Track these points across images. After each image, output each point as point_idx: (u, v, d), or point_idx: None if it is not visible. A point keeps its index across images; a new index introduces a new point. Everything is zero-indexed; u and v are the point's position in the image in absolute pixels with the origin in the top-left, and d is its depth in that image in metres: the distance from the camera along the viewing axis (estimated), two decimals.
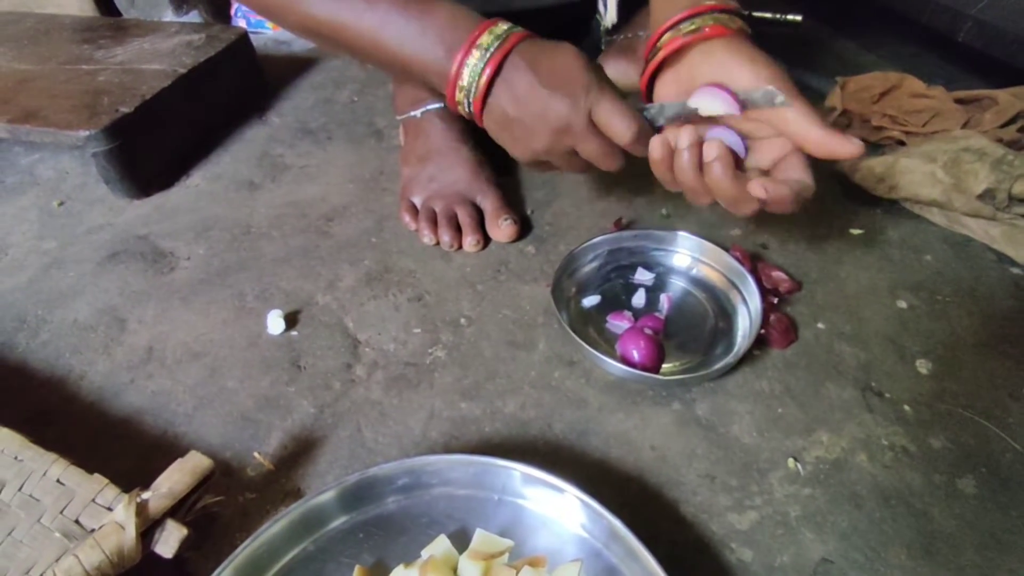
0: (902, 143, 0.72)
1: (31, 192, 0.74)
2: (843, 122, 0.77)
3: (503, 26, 0.48)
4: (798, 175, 0.47)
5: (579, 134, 0.48)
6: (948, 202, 0.62)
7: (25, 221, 0.70)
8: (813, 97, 0.84)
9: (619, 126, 0.47)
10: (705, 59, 0.48)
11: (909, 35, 0.96)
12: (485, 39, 0.48)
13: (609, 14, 0.78)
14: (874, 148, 0.75)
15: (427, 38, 0.49)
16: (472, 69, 0.48)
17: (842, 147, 0.45)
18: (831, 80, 0.81)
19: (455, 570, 0.39)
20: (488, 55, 0.47)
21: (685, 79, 0.49)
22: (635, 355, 0.51)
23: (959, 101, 0.73)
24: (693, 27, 0.48)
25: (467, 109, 0.50)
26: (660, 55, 0.49)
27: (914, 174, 0.63)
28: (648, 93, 0.53)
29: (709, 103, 0.47)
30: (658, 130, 0.49)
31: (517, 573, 0.38)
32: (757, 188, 0.45)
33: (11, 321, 0.58)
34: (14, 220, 0.70)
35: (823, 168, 0.73)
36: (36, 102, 0.71)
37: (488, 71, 0.47)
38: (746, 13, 0.49)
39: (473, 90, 0.49)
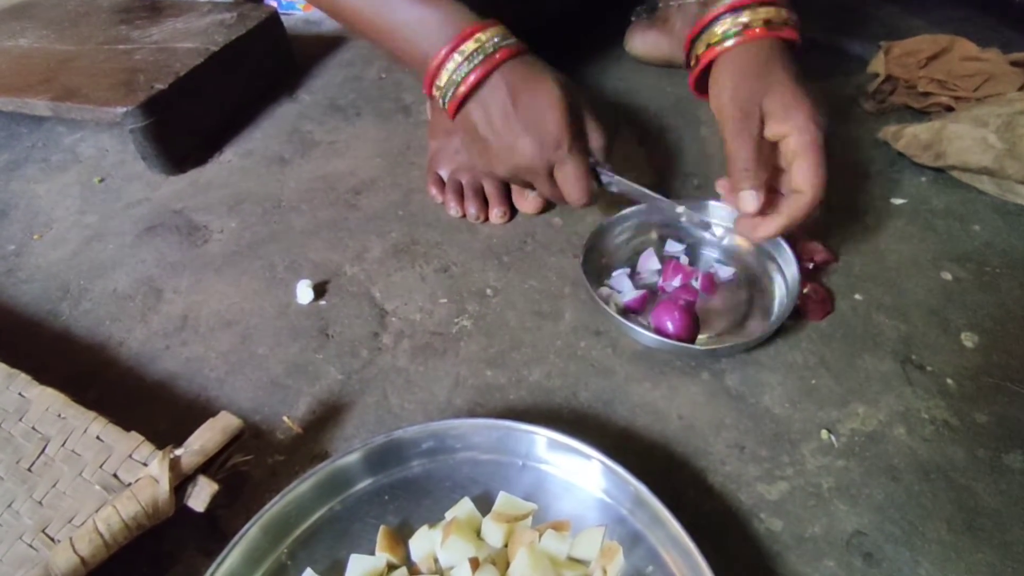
0: (951, 109, 0.68)
1: (73, 169, 0.76)
2: (887, 89, 0.73)
3: (490, 35, 0.49)
4: (797, 183, 0.47)
5: (538, 177, 0.51)
6: (1000, 169, 0.59)
7: (68, 197, 0.72)
8: (858, 65, 0.81)
9: (573, 192, 0.51)
10: (725, 64, 0.49)
11: None
12: (470, 45, 0.48)
13: None
14: (920, 115, 0.71)
15: (415, 29, 0.50)
16: (451, 74, 0.48)
17: (741, 200, 0.48)
18: (876, 46, 0.77)
19: (478, 532, 0.39)
20: (471, 66, 0.48)
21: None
22: (669, 326, 0.50)
23: (1016, 64, 0.68)
24: (734, 31, 0.49)
25: (442, 105, 0.51)
26: (698, 67, 0.52)
27: (963, 140, 0.60)
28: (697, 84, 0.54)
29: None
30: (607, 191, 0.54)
31: (540, 536, 0.38)
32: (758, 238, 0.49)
33: (56, 290, 0.60)
34: (58, 196, 0.72)
35: (865, 137, 0.70)
36: (76, 81, 0.73)
37: (465, 86, 0.48)
38: (787, 4, 0.50)
39: (449, 94, 0.49)
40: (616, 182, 0.53)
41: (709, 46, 0.50)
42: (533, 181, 0.53)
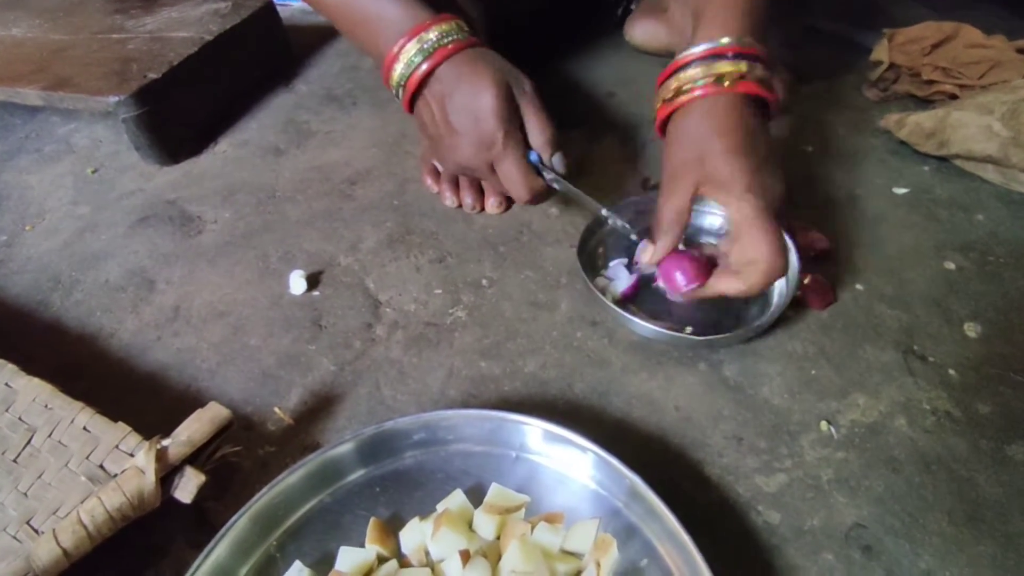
0: (955, 98, 0.67)
1: (67, 160, 0.76)
2: (890, 77, 0.72)
3: (442, 30, 0.49)
4: (750, 255, 0.45)
5: (482, 174, 0.53)
6: (1005, 158, 0.58)
7: (61, 187, 0.71)
8: (861, 53, 0.79)
9: (512, 190, 0.52)
10: (676, 120, 0.48)
11: None
12: (417, 43, 0.49)
13: None
14: (923, 104, 0.70)
15: (375, 24, 0.51)
16: (403, 67, 0.50)
17: (641, 250, 0.51)
18: (879, 34, 0.76)
19: (470, 524, 0.38)
20: (420, 60, 0.49)
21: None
22: (679, 277, 0.47)
23: (1022, 51, 0.67)
24: (698, 82, 0.46)
25: (398, 99, 0.54)
26: (657, 121, 0.50)
27: (968, 128, 0.59)
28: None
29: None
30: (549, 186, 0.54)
31: (533, 528, 0.37)
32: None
33: (47, 281, 0.60)
34: (51, 186, 0.72)
35: (867, 125, 0.69)
36: (69, 70, 0.72)
37: (414, 81, 0.50)
38: (762, 55, 0.46)
39: (402, 89, 0.52)
40: (554, 179, 0.53)
41: (664, 101, 0.48)
42: (480, 178, 0.54)
